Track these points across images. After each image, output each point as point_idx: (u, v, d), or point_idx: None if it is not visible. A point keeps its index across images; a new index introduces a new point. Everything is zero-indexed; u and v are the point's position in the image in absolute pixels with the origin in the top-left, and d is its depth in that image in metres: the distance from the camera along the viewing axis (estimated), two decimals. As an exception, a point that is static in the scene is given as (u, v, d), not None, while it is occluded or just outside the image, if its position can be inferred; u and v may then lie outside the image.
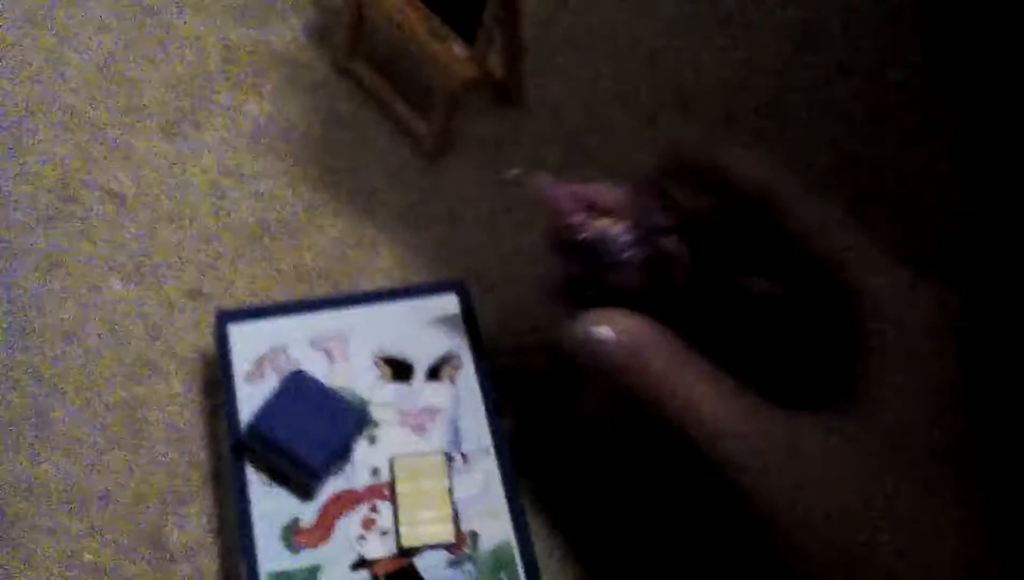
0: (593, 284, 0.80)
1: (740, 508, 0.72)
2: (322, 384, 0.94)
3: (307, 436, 0.89)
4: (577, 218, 0.78)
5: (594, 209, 0.78)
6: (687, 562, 0.92)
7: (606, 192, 0.79)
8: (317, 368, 0.96)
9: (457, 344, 1.00)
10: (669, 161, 0.82)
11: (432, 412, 0.96)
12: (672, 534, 0.93)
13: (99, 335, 1.09)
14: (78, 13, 1.28)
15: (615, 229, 0.77)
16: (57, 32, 1.27)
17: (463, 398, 0.97)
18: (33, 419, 1.04)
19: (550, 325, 0.90)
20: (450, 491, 0.92)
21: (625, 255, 0.76)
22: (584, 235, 0.77)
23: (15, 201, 1.18)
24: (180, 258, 1.15)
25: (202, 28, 1.30)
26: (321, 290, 1.13)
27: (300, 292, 1.13)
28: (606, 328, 0.74)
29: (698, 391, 0.70)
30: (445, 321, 1.01)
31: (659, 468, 0.87)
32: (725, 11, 1.35)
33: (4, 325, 1.09)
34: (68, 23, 1.27)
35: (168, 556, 0.98)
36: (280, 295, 1.13)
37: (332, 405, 0.93)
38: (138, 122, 1.24)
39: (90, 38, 1.27)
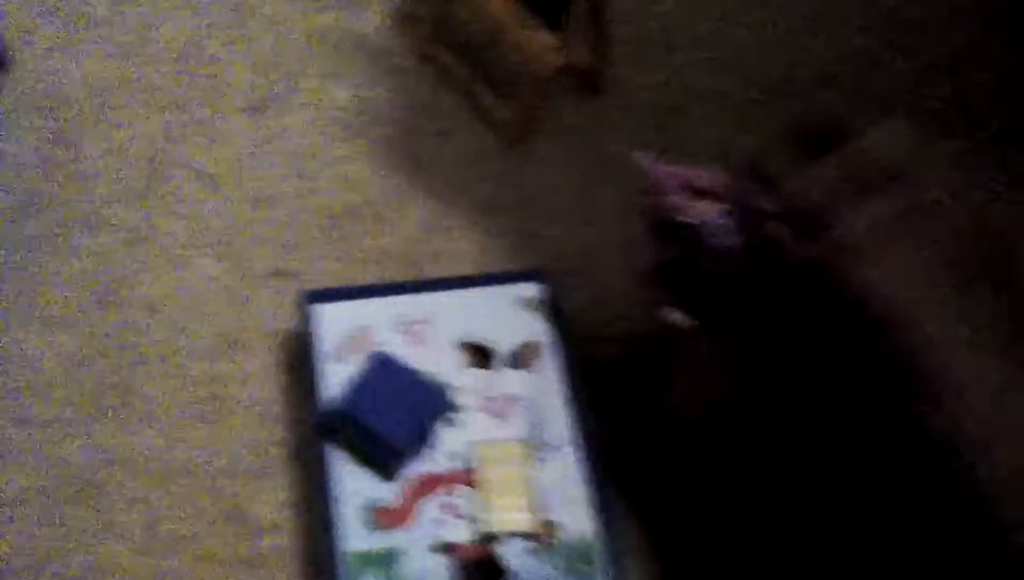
0: (690, 267, 0.79)
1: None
2: (407, 367, 0.94)
3: (391, 418, 0.90)
4: (679, 200, 0.77)
5: (696, 192, 0.78)
6: (764, 562, 0.91)
7: (707, 176, 0.78)
8: (400, 351, 0.97)
9: (539, 332, 1.00)
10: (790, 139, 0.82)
11: (513, 399, 0.96)
12: (752, 533, 0.92)
13: (184, 309, 1.11)
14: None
15: (716, 213, 0.76)
16: (147, 11, 1.29)
17: (544, 386, 0.97)
18: (119, 390, 1.06)
19: (643, 308, 0.91)
20: (531, 480, 0.92)
21: (726, 240, 0.76)
22: (685, 218, 0.77)
23: (104, 176, 1.20)
24: (264, 237, 1.17)
25: (287, 11, 1.32)
26: (401, 274, 1.14)
27: (381, 275, 1.14)
28: None
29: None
30: (527, 309, 1.01)
31: (751, 463, 0.87)
32: (812, 10, 1.34)
33: (92, 296, 1.13)
34: (157, 3, 1.30)
35: (247, 531, 1.00)
36: (361, 278, 1.14)
37: (416, 388, 0.93)
38: (224, 103, 1.26)
39: (178, 18, 1.29)
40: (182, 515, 0.99)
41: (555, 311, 1.00)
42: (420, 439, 0.92)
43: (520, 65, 1.15)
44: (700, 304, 0.83)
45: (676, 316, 0.84)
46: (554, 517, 0.90)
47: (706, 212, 0.77)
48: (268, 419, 1.04)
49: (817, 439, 0.85)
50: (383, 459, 0.90)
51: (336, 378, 0.95)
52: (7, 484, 0.98)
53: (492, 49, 1.22)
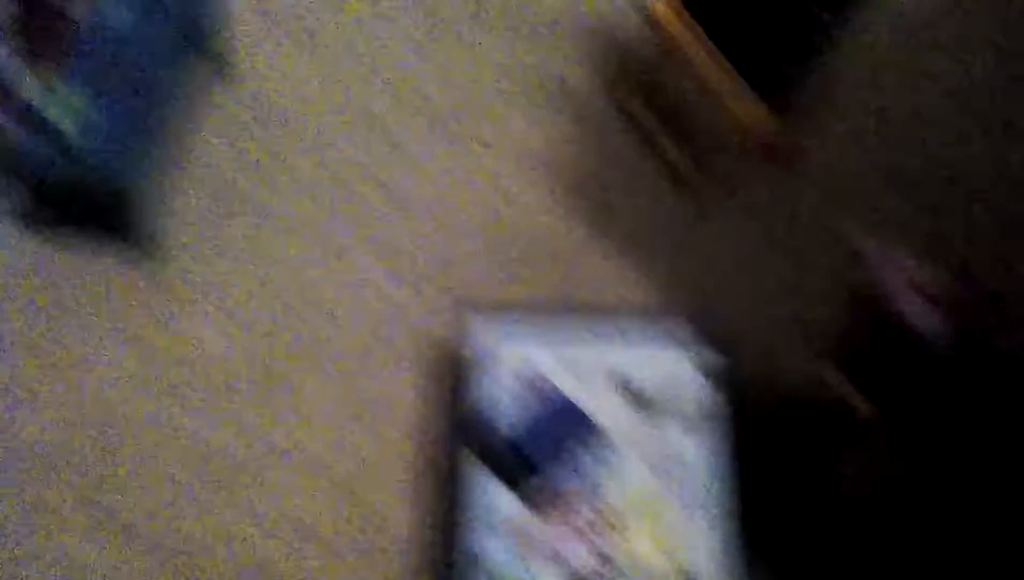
0: (888, 354, 0.75)
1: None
2: (567, 398, 0.92)
3: (544, 444, 0.88)
4: (902, 295, 0.74)
5: (915, 286, 0.74)
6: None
7: (928, 274, 0.75)
8: (562, 384, 0.95)
9: (715, 399, 0.97)
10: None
11: (678, 459, 0.92)
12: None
13: (358, 323, 1.13)
14: (389, 28, 1.36)
15: (936, 316, 0.73)
16: (370, 41, 1.35)
17: (705, 449, 0.94)
18: (279, 384, 1.09)
19: (818, 388, 0.87)
20: (675, 533, 0.87)
21: (940, 344, 0.72)
22: (916, 322, 0.73)
23: (307, 191, 1.25)
24: (445, 261, 1.19)
25: (494, 50, 1.36)
26: (566, 316, 1.13)
27: (551, 316, 1.13)
28: None
29: None
30: (705, 373, 0.98)
31: (912, 556, 0.79)
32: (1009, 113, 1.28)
33: (275, 300, 1.16)
34: (381, 38, 1.36)
35: (381, 534, 0.98)
36: (532, 316, 1.14)
37: (569, 418, 0.91)
38: (424, 130, 1.31)
39: (397, 50, 1.35)
40: (317, 510, 0.99)
41: (737, 381, 0.98)
42: (572, 469, 0.89)
43: (727, 134, 1.14)
44: (887, 392, 0.78)
45: (859, 401, 0.79)
46: (692, 571, 0.84)
47: (924, 313, 0.73)
48: (417, 428, 1.04)
49: (985, 533, 0.77)
50: (530, 482, 0.88)
51: (494, 397, 0.94)
52: (153, 458, 1.01)
53: (698, 115, 1.21)
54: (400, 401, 1.05)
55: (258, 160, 1.23)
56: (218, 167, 1.22)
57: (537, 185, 1.21)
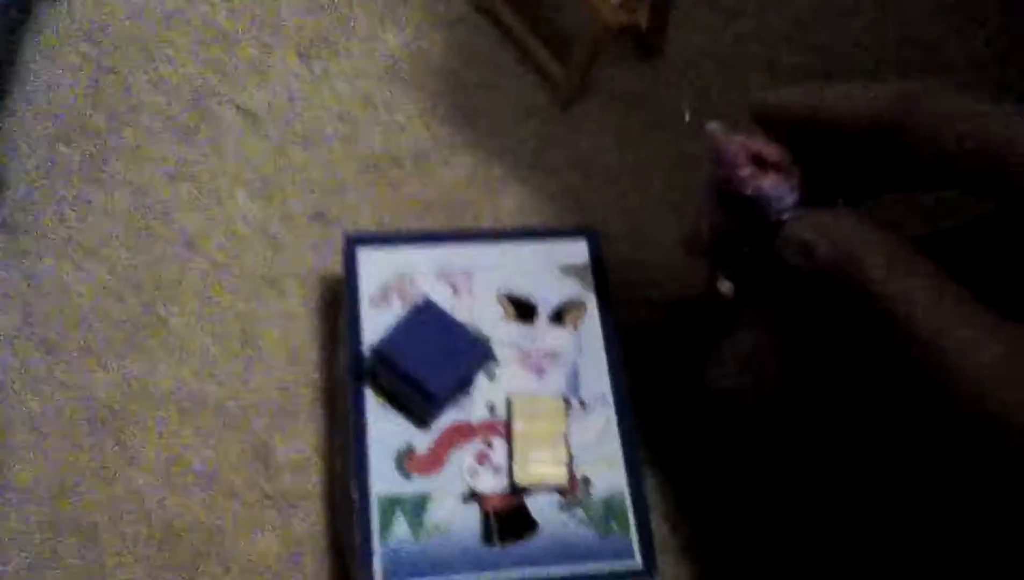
0: (751, 241, 0.77)
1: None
2: (449, 315, 0.92)
3: (431, 365, 0.88)
4: (745, 171, 0.75)
5: (762, 163, 0.75)
6: (797, 536, 0.90)
7: (776, 148, 0.76)
8: (441, 300, 0.94)
9: (583, 291, 0.98)
10: (764, 111, 0.79)
11: (553, 356, 0.94)
12: (786, 507, 0.91)
13: (221, 247, 1.09)
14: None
15: (782, 186, 0.74)
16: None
17: (585, 345, 0.95)
18: (150, 322, 1.05)
19: (689, 275, 0.89)
20: (566, 435, 0.90)
21: (791, 214, 0.74)
22: (751, 191, 0.74)
23: (148, 109, 1.19)
24: (307, 180, 1.14)
25: None
26: (443, 225, 1.11)
27: (422, 224, 1.11)
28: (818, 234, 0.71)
29: (922, 299, 0.66)
30: (573, 266, 0.99)
31: (794, 448, 0.85)
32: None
33: (130, 229, 1.11)
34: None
35: (274, 471, 0.98)
36: (402, 225, 1.11)
37: (457, 337, 0.91)
38: (275, 41, 1.23)
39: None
40: (208, 451, 0.98)
41: (603, 270, 0.98)
42: (457, 388, 0.90)
43: (580, 22, 1.12)
44: (753, 278, 0.81)
45: (726, 287, 0.82)
46: (588, 474, 0.88)
47: (774, 186, 0.75)
48: (301, 361, 1.02)
49: (860, 426, 0.83)
50: (419, 405, 0.89)
51: (374, 323, 0.93)
52: (31, 412, 0.97)
53: (546, 4, 1.20)
54: (288, 339, 1.03)
55: (96, 80, 1.15)
56: (55, 91, 1.15)
57: (402, 97, 1.17)
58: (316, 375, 1.03)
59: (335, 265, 1.05)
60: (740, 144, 0.79)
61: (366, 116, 1.20)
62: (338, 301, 1.02)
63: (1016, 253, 0.76)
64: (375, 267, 0.98)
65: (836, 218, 0.74)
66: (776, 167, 0.78)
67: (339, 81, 1.22)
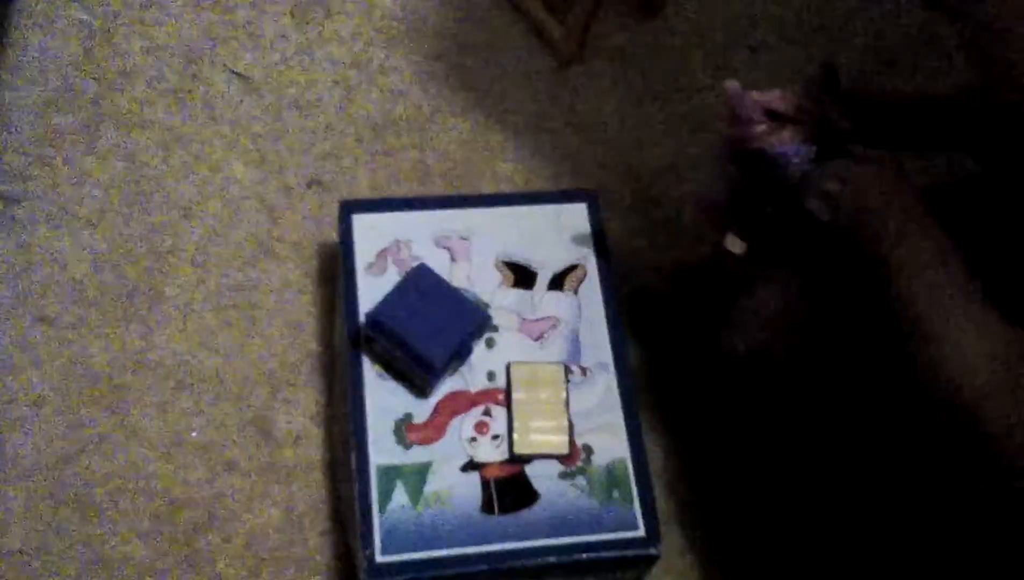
0: (770, 199, 0.75)
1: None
2: (445, 282, 0.91)
3: (428, 332, 0.87)
4: (760, 127, 0.73)
5: (777, 119, 0.74)
6: (800, 505, 0.89)
7: (788, 100, 0.74)
8: (438, 266, 0.93)
9: (583, 255, 0.96)
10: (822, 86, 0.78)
11: (552, 321, 0.93)
12: (789, 471, 0.90)
13: (216, 215, 1.07)
14: None
15: (799, 142, 0.72)
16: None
17: (585, 311, 0.94)
18: (147, 293, 1.04)
19: (696, 236, 0.87)
20: (566, 403, 0.89)
21: (807, 170, 0.72)
22: (767, 146, 0.73)
23: (141, 74, 1.16)
24: (302, 145, 1.13)
25: None
26: (441, 190, 1.10)
27: (420, 190, 1.10)
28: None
29: (925, 277, 0.65)
30: (572, 231, 0.97)
31: (798, 406, 0.83)
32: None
33: (123, 197, 1.09)
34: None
35: (272, 441, 0.97)
36: (400, 191, 1.10)
37: (454, 304, 0.90)
38: (268, 5, 1.21)
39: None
40: (207, 423, 0.97)
41: (603, 235, 0.97)
42: (456, 356, 0.89)
43: None
44: (768, 236, 0.79)
45: (738, 246, 0.80)
46: (589, 441, 0.87)
47: (789, 141, 0.73)
48: (298, 330, 1.01)
49: (866, 386, 0.82)
50: (418, 374, 0.87)
51: (371, 290, 0.92)
52: (26, 384, 0.96)
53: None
54: (285, 307, 1.02)
55: (88, 46, 1.13)
56: (47, 58, 1.13)
57: (399, 60, 1.15)
58: (315, 345, 1.02)
59: (332, 232, 1.04)
60: (754, 100, 0.77)
61: (361, 80, 1.18)
62: (335, 270, 1.01)
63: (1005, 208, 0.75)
64: (371, 234, 0.96)
65: (861, 171, 0.71)
66: (790, 120, 0.76)
67: (333, 44, 1.20)
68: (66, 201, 1.05)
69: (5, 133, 1.08)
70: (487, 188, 1.08)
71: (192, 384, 0.98)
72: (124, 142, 1.09)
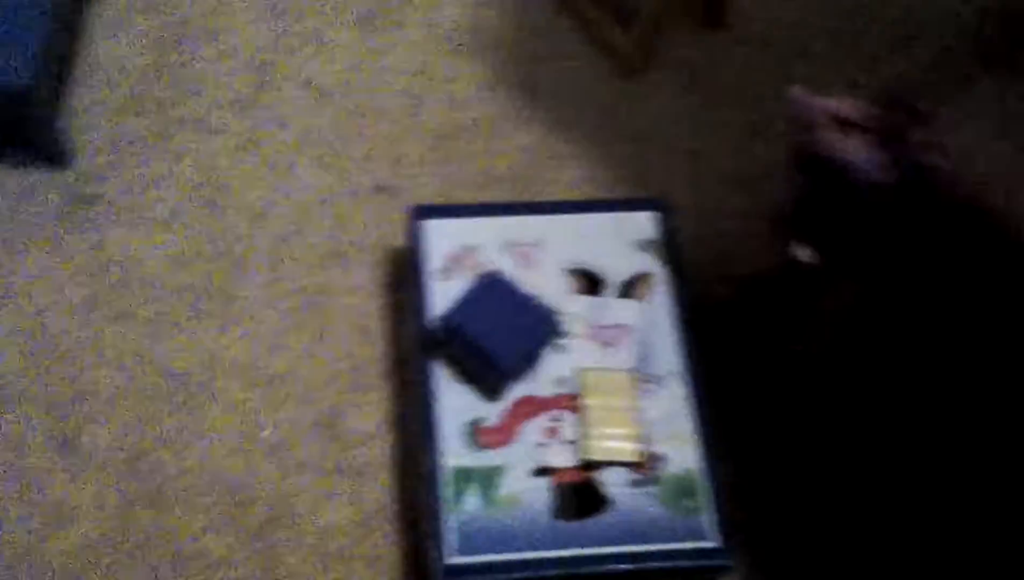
0: (830, 204, 0.75)
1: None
2: (516, 288, 0.92)
3: (500, 337, 0.88)
4: (828, 134, 0.73)
5: (846, 126, 0.74)
6: (869, 510, 0.89)
7: (858, 108, 0.74)
8: (508, 272, 0.94)
9: (652, 263, 0.97)
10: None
11: (622, 329, 0.93)
12: (860, 478, 0.89)
13: (287, 219, 1.09)
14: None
15: (868, 148, 0.73)
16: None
17: (655, 318, 0.95)
18: (219, 293, 1.05)
19: (764, 245, 0.87)
20: (637, 410, 0.89)
21: (877, 176, 0.72)
22: (836, 153, 0.73)
23: (212, 80, 1.18)
24: (370, 152, 1.14)
25: None
26: (506, 197, 1.11)
27: (485, 197, 1.11)
28: None
29: None
30: (640, 238, 0.98)
31: (867, 412, 0.83)
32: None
33: (196, 200, 1.10)
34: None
35: (343, 442, 0.98)
36: (465, 198, 1.11)
37: (525, 310, 0.91)
38: (336, 14, 1.23)
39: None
40: (278, 422, 0.98)
41: (674, 243, 0.97)
42: (527, 361, 0.90)
43: None
44: (836, 243, 0.79)
45: (805, 254, 0.80)
46: (658, 449, 0.88)
47: (858, 147, 0.73)
48: (369, 333, 1.02)
49: (943, 389, 0.82)
50: (488, 378, 0.88)
51: (441, 295, 0.93)
52: (101, 380, 0.98)
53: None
54: (355, 311, 1.03)
55: (160, 52, 1.16)
56: (120, 64, 1.15)
57: (465, 69, 1.17)
58: (384, 348, 1.03)
59: (400, 238, 1.05)
60: (822, 107, 0.77)
61: (427, 88, 1.19)
62: (404, 274, 1.02)
63: None
64: (441, 239, 0.98)
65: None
66: (859, 128, 0.76)
67: (400, 53, 1.21)
68: (140, 203, 1.07)
69: (81, 137, 1.10)
70: (552, 196, 1.09)
71: (263, 384, 0.99)
72: (196, 146, 1.11)
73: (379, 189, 1.10)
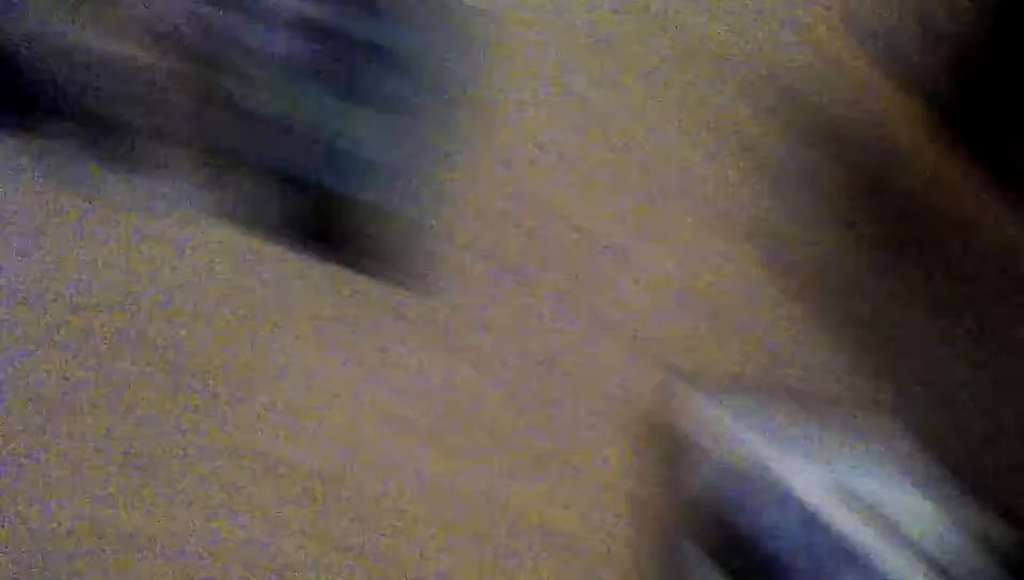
0: None
1: None
2: (818, 510, 0.90)
3: (799, 558, 0.88)
4: None
5: None
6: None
7: None
8: (798, 488, 0.93)
9: (958, 544, 0.92)
10: None
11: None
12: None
13: (577, 377, 1.11)
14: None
15: None
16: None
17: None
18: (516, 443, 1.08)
19: None
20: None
21: None
22: None
23: (548, 242, 1.18)
24: (651, 325, 1.15)
25: (702, 104, 1.23)
26: (780, 403, 1.10)
27: (760, 395, 1.11)
28: None
29: None
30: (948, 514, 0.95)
31: None
32: None
33: (517, 349, 1.12)
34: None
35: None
36: (746, 396, 1.11)
37: (829, 541, 0.90)
38: (613, 172, 1.21)
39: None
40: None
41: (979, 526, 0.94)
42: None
43: (962, 225, 1.11)
44: None
45: None
46: None
47: None
48: (627, 501, 1.05)
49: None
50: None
51: (717, 481, 0.95)
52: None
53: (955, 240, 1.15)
54: (612, 470, 1.06)
55: (507, 206, 1.18)
56: (477, 211, 1.18)
57: (736, 247, 1.17)
58: (650, 526, 1.03)
59: (683, 422, 1.04)
60: None
61: (713, 276, 1.17)
62: (682, 457, 1.03)
63: None
64: (720, 426, 0.98)
65: None
66: None
67: (683, 232, 1.19)
68: (483, 339, 1.11)
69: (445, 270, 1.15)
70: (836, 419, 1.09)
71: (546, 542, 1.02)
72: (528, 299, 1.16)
73: (664, 371, 1.13)
